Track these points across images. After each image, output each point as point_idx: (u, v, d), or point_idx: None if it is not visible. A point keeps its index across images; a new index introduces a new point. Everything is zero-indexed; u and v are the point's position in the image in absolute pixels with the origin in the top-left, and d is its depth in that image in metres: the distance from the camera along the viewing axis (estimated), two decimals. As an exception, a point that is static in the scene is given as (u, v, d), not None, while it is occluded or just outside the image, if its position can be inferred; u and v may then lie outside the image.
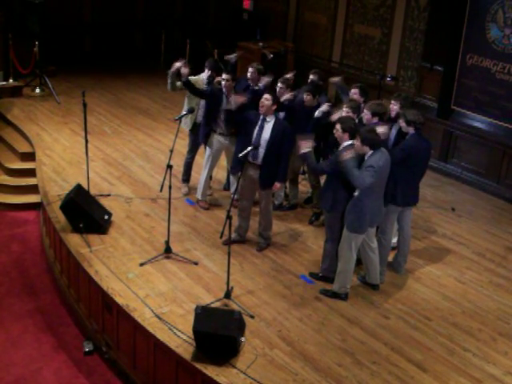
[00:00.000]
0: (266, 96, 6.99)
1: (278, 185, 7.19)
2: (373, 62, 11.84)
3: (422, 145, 6.77)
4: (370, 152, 6.20)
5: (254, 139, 6.99)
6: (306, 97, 7.74)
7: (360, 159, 6.23)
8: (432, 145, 7.26)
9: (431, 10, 10.41)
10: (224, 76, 7.74)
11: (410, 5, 11.03)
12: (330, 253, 6.79)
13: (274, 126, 7.01)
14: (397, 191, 6.71)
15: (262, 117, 7.04)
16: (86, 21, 14.46)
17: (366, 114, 6.99)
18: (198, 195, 8.31)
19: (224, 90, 7.76)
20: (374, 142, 6.20)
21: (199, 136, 8.18)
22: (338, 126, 6.45)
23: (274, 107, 7.05)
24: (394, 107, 7.26)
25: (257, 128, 7.03)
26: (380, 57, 11.69)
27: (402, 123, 6.79)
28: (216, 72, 8.31)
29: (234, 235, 7.28)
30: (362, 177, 6.08)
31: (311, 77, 8.34)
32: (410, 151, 6.64)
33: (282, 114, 7.72)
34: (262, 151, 7.02)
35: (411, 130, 6.74)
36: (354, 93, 7.75)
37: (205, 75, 8.28)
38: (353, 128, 6.41)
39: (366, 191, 6.19)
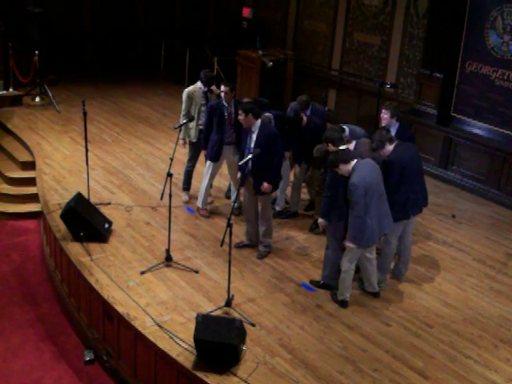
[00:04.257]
0: (239, 111, 7.15)
1: (265, 185, 7.18)
2: (372, 69, 11.86)
3: (408, 151, 6.71)
4: (351, 165, 6.23)
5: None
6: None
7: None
8: (416, 146, 7.18)
9: (430, 17, 10.43)
10: (223, 88, 7.81)
11: (409, 12, 11.05)
12: (331, 260, 6.79)
13: (258, 133, 7.13)
14: (406, 204, 6.69)
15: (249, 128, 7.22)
16: (86, 30, 14.53)
17: (384, 114, 7.27)
18: (199, 203, 8.32)
19: (224, 102, 7.81)
20: (345, 157, 6.29)
21: (200, 141, 8.21)
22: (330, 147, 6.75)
23: (250, 117, 7.09)
24: (385, 116, 7.32)
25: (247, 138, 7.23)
26: (379, 64, 11.71)
27: (382, 152, 6.70)
28: (210, 86, 8.32)
29: (244, 239, 7.65)
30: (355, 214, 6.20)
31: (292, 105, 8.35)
32: (400, 164, 6.58)
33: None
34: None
35: (390, 148, 6.69)
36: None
37: (199, 85, 8.29)
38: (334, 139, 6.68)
39: (365, 210, 6.20)
